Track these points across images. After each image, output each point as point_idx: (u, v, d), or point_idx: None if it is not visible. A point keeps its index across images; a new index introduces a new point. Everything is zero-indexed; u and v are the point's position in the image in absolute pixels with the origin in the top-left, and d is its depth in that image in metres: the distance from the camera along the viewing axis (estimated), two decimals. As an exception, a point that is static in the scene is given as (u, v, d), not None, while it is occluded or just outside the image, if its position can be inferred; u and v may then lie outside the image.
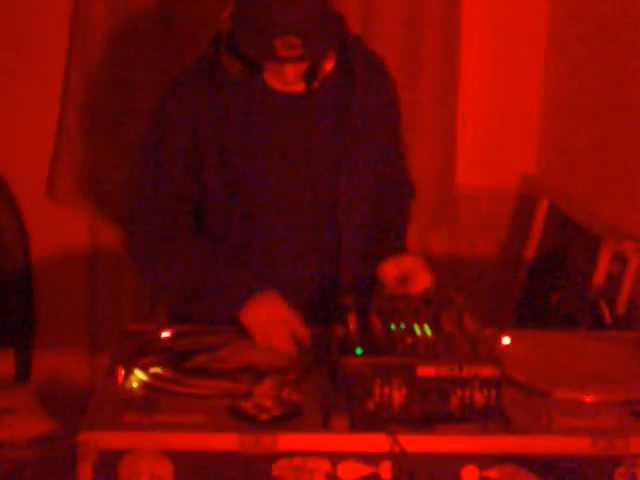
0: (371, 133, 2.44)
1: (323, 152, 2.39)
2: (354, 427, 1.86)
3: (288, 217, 2.40)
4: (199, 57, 2.40)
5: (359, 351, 1.92)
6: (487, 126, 4.06)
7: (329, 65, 2.32)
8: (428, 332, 2.04)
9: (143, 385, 2.03)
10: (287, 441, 1.82)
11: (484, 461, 1.84)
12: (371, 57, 2.48)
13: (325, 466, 1.82)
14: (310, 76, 2.29)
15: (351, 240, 2.45)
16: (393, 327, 2.05)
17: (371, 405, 1.88)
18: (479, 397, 1.89)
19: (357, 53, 2.41)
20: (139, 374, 2.05)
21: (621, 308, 2.99)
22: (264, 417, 1.88)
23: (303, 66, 2.26)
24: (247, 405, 1.90)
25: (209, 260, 2.36)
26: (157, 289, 2.46)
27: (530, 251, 3.81)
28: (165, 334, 2.27)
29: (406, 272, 2.37)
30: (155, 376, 2.05)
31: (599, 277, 3.14)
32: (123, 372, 2.05)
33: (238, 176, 2.36)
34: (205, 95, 2.34)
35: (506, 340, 2.26)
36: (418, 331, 2.04)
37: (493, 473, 1.84)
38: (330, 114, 2.39)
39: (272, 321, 2.21)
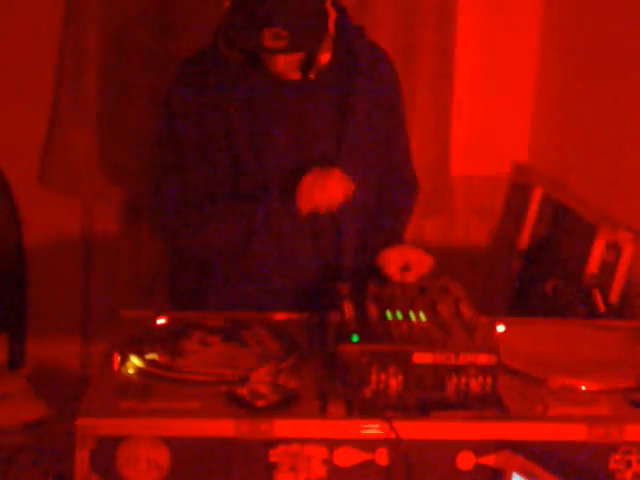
0: (371, 123, 2.45)
1: (323, 139, 2.41)
2: (350, 414, 1.87)
3: (287, 203, 2.40)
4: (202, 47, 2.42)
5: (355, 338, 1.92)
6: (481, 115, 4.05)
7: (325, 57, 2.35)
8: (424, 320, 2.04)
9: (139, 371, 2.03)
10: (284, 427, 1.83)
11: (480, 448, 1.85)
12: (373, 49, 2.50)
13: (322, 452, 1.83)
14: (306, 66, 2.31)
15: (350, 227, 2.46)
16: (389, 315, 2.05)
17: (367, 392, 1.88)
18: (475, 384, 1.89)
19: (359, 44, 2.43)
20: (135, 360, 2.05)
21: (615, 296, 3.00)
22: (260, 403, 1.88)
23: (294, 57, 2.27)
24: (243, 391, 1.91)
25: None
26: (208, 246, 2.48)
27: (524, 239, 3.81)
28: (161, 321, 2.27)
29: (410, 260, 2.38)
30: (151, 362, 2.05)
31: (593, 265, 3.14)
32: (119, 358, 2.05)
33: (241, 160, 2.38)
34: (208, 83, 2.38)
35: (501, 328, 2.27)
36: (414, 319, 2.04)
37: (489, 460, 1.85)
38: (331, 102, 2.41)
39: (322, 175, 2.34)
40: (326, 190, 2.33)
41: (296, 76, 2.35)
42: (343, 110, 2.41)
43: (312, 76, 2.35)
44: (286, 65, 2.30)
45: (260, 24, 2.18)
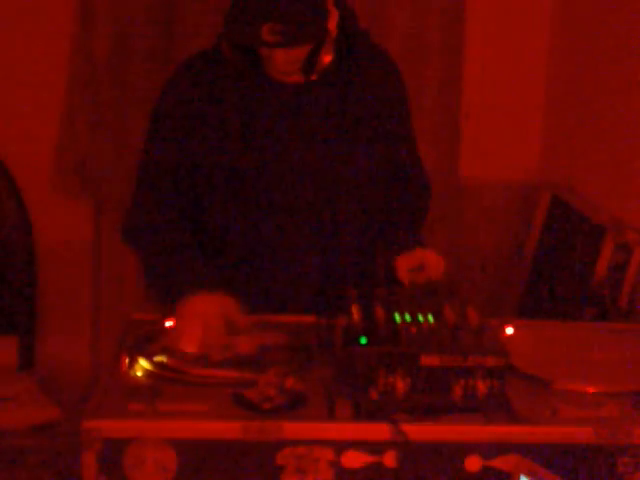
0: (373, 128, 2.43)
1: (323, 144, 2.39)
2: (358, 416, 1.87)
3: (286, 207, 2.40)
4: (203, 48, 2.42)
5: (363, 341, 1.92)
6: (490, 118, 4.05)
7: (327, 58, 2.34)
8: (432, 322, 2.04)
9: (147, 374, 2.03)
10: (291, 430, 1.82)
11: (487, 451, 1.84)
12: (377, 52, 2.48)
13: (329, 455, 1.83)
14: (307, 68, 2.31)
15: (350, 231, 2.45)
16: (397, 317, 2.04)
17: (375, 394, 1.88)
18: (483, 387, 1.89)
19: (362, 48, 2.42)
20: (143, 363, 2.06)
21: (624, 299, 2.99)
22: (268, 406, 1.88)
23: (294, 55, 2.27)
24: (251, 394, 1.91)
25: (185, 250, 2.35)
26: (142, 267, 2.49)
27: (533, 242, 3.81)
28: (169, 323, 2.27)
29: (424, 264, 2.37)
30: (159, 365, 2.05)
31: (602, 268, 3.14)
32: (127, 361, 2.05)
33: (237, 166, 2.37)
34: (204, 85, 2.37)
35: (510, 330, 2.26)
36: (422, 321, 2.04)
37: (496, 463, 1.85)
38: (331, 107, 2.39)
39: (188, 315, 2.17)
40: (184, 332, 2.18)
41: (297, 79, 2.34)
42: (344, 113, 2.40)
43: (314, 77, 2.34)
44: (286, 64, 2.29)
45: (259, 19, 2.18)
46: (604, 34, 3.55)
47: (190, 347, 2.12)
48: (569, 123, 3.87)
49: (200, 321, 2.15)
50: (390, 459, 1.83)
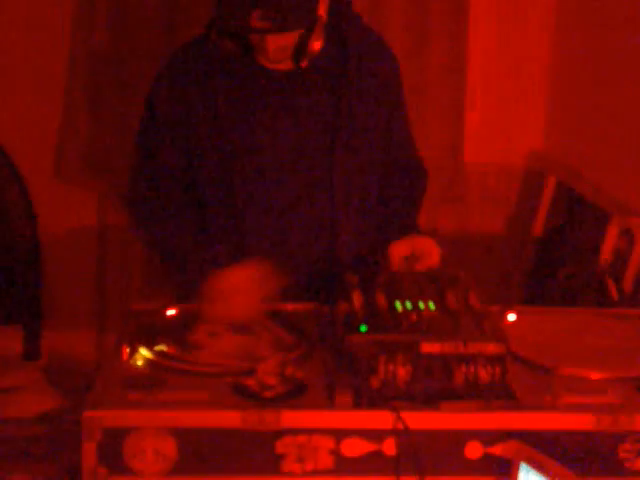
0: (367, 111, 2.43)
1: (316, 129, 2.39)
2: (358, 404, 1.86)
3: (282, 194, 2.40)
4: (196, 36, 2.41)
5: (364, 328, 1.91)
6: (495, 103, 4.04)
7: (317, 44, 2.32)
8: (433, 309, 2.03)
9: (148, 363, 2.03)
10: (291, 418, 1.82)
11: (488, 437, 1.84)
12: (369, 35, 2.47)
13: (329, 443, 1.82)
14: (298, 55, 2.30)
15: (347, 217, 2.44)
16: (398, 304, 2.04)
17: (375, 382, 1.87)
18: (484, 374, 1.88)
19: (353, 32, 2.41)
20: (144, 352, 2.05)
21: (628, 284, 2.98)
22: (268, 394, 1.88)
23: (284, 42, 2.26)
24: (251, 382, 1.90)
25: (195, 230, 2.39)
26: (153, 250, 2.51)
27: (538, 227, 3.80)
28: (171, 312, 2.27)
29: (417, 251, 2.36)
30: (159, 354, 2.05)
31: (606, 253, 3.13)
32: (128, 350, 2.05)
33: (231, 153, 2.38)
34: (197, 74, 2.37)
35: (512, 317, 2.26)
36: (423, 308, 2.03)
37: (497, 449, 1.84)
38: (324, 92, 2.39)
39: (228, 290, 2.20)
40: (228, 306, 2.20)
41: (287, 66, 2.33)
42: (336, 99, 2.39)
43: (304, 64, 2.33)
44: (276, 52, 2.28)
45: (248, 6, 2.17)
46: (609, 16, 3.53)
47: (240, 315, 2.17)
48: (574, 108, 3.86)
49: (247, 292, 2.19)
50: (390, 447, 1.83)
